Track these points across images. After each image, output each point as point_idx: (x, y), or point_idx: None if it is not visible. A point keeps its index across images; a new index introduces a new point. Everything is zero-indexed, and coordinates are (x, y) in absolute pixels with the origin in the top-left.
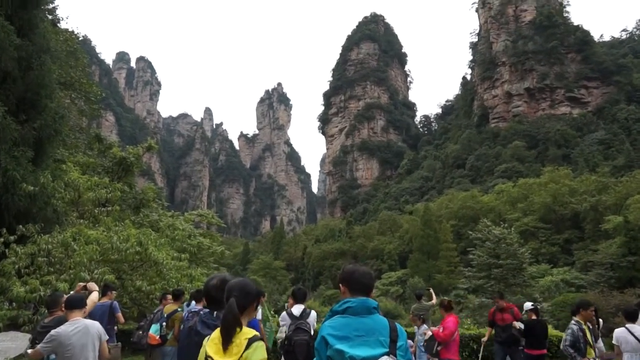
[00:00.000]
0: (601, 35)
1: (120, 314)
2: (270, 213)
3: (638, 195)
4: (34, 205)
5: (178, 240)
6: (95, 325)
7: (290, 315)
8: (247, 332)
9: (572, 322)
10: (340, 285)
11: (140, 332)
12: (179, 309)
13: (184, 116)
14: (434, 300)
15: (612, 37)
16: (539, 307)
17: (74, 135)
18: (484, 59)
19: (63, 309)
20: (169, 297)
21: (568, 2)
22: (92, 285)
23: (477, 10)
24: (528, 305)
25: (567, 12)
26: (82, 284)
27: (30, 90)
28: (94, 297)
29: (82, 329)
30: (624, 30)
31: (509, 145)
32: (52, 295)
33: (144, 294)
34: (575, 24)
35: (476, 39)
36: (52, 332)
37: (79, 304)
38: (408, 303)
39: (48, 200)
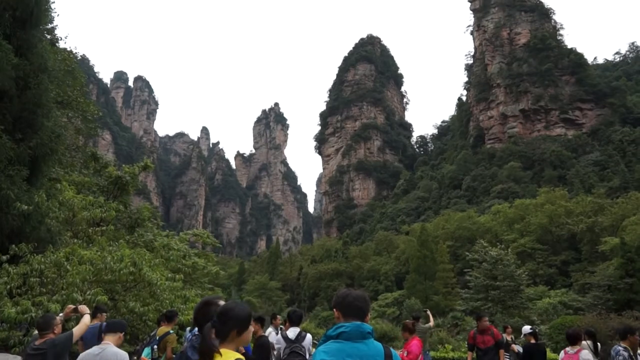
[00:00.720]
0: (595, 58)
1: None
2: (266, 233)
3: (634, 216)
4: (27, 224)
5: (173, 260)
6: (119, 355)
7: (285, 338)
8: (228, 358)
9: (620, 348)
10: (334, 309)
11: (135, 358)
12: (171, 331)
13: (181, 135)
14: (432, 323)
15: (606, 59)
16: (537, 330)
17: (70, 153)
18: (479, 80)
19: (56, 331)
20: None
21: (562, 25)
22: (84, 308)
23: (472, 33)
24: (527, 328)
25: (561, 35)
26: (72, 306)
27: (26, 109)
28: (86, 320)
29: (109, 355)
30: (617, 53)
31: (504, 166)
32: (44, 317)
33: (136, 316)
34: (569, 46)
35: (471, 61)
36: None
37: (119, 327)
38: None
39: (42, 220)
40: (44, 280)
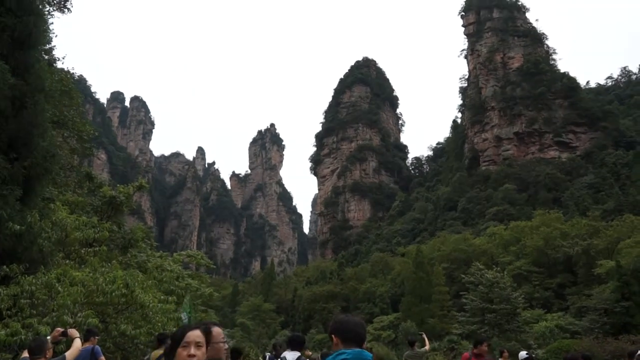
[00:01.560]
0: (587, 82)
1: (102, 358)
2: (261, 254)
3: (629, 239)
4: (19, 245)
5: (166, 282)
6: None
7: None
8: None
9: None
10: (333, 336)
11: None
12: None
13: (176, 155)
14: (427, 347)
15: (598, 84)
16: (533, 355)
17: (65, 173)
18: (473, 103)
19: (47, 355)
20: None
21: (554, 50)
22: (73, 332)
23: (466, 57)
24: (523, 354)
25: (554, 59)
26: (60, 329)
27: (22, 129)
28: (77, 344)
29: None
30: (609, 77)
31: (499, 188)
32: (36, 340)
33: (128, 339)
34: (562, 71)
35: (465, 84)
36: None
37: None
38: (401, 349)
39: (34, 240)
40: (35, 301)
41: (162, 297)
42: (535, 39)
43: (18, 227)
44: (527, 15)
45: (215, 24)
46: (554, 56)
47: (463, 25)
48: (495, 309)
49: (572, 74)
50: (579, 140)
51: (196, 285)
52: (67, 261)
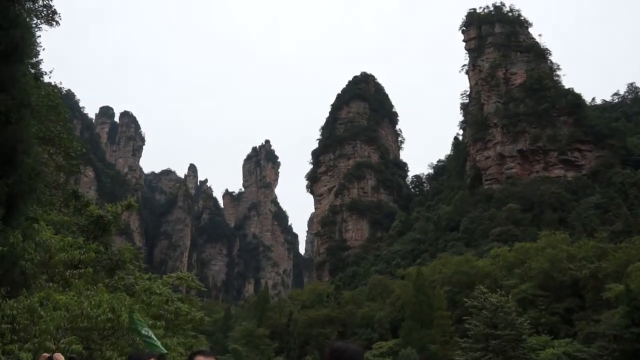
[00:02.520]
0: (593, 99)
1: None
2: (255, 276)
3: (639, 262)
4: (0, 267)
5: (154, 305)
6: None
7: None
8: None
9: None
10: None
11: None
12: None
13: (167, 172)
14: None
15: (604, 100)
16: None
17: (50, 191)
18: (475, 120)
19: None
20: None
21: (558, 66)
22: (59, 357)
23: (467, 73)
24: None
25: (558, 75)
26: (46, 354)
27: (6, 145)
28: None
29: None
30: (616, 94)
31: (503, 208)
32: None
33: None
34: (567, 87)
35: (467, 100)
36: None
37: None
38: None
39: (16, 261)
40: (16, 327)
41: (150, 321)
42: (539, 54)
43: (0, 248)
44: (530, 30)
45: (207, 37)
46: (558, 72)
47: (464, 40)
48: (499, 334)
49: (577, 90)
50: (585, 159)
51: (186, 309)
52: (51, 284)
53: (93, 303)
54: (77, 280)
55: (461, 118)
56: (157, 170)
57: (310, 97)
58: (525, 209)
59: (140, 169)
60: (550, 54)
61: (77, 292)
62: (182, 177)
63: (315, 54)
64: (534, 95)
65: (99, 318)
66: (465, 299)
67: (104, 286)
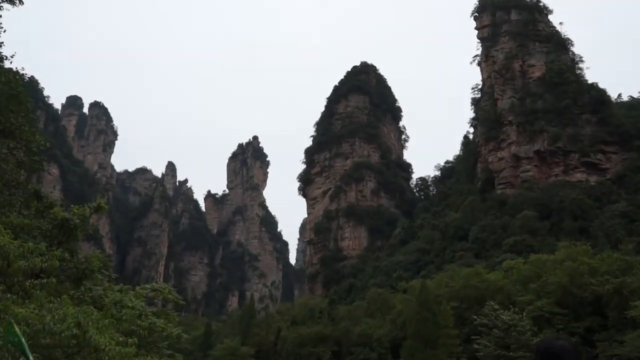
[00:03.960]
0: (619, 95)
1: None
2: (239, 288)
3: None
4: None
5: (126, 320)
6: None
7: None
8: None
9: None
10: None
11: None
12: None
13: (142, 171)
14: None
15: (631, 97)
16: None
17: (9, 191)
18: (487, 116)
19: None
20: None
21: (581, 58)
22: None
23: (479, 64)
24: None
25: (580, 68)
26: None
27: None
28: None
29: None
30: None
31: (517, 215)
32: None
33: None
34: (590, 82)
35: (479, 95)
36: None
37: None
38: None
39: None
40: None
41: (120, 338)
42: (559, 44)
43: None
44: (550, 17)
45: (187, 24)
46: (580, 65)
47: (476, 28)
48: (512, 356)
49: (601, 86)
50: (610, 162)
51: (162, 324)
52: (9, 295)
53: (57, 317)
54: (38, 291)
55: (472, 114)
56: (131, 169)
57: (303, 89)
58: (543, 216)
59: (112, 166)
60: (572, 45)
61: (38, 305)
62: (159, 176)
63: (309, 42)
64: (554, 90)
65: (63, 334)
66: (475, 316)
67: (69, 298)
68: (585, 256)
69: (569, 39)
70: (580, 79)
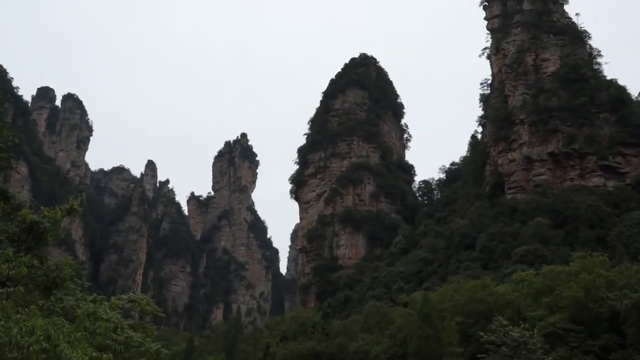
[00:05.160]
0: None
1: None
2: (224, 299)
3: None
4: None
5: (100, 334)
6: None
7: None
8: None
9: None
10: None
11: None
12: None
13: (120, 170)
14: None
15: None
16: None
17: None
18: (497, 115)
19: None
20: None
21: (599, 52)
22: None
23: (489, 57)
24: None
25: (598, 63)
26: None
27: None
28: None
29: None
30: None
31: (529, 223)
32: None
33: None
34: (609, 78)
35: (488, 91)
36: None
37: None
38: None
39: None
40: None
41: (94, 353)
42: (575, 37)
43: None
44: (566, 8)
45: (173, 7)
46: (598, 59)
47: (486, 18)
48: None
49: (621, 82)
50: (630, 165)
51: (139, 339)
52: None
53: (24, 329)
54: (4, 301)
55: (480, 112)
56: (107, 167)
57: (297, 82)
58: (556, 224)
59: (86, 165)
60: (590, 37)
61: (4, 316)
62: (138, 176)
63: (305, 31)
64: (569, 86)
65: (31, 348)
66: (481, 333)
67: (37, 309)
68: (602, 268)
69: (585, 31)
70: (598, 75)
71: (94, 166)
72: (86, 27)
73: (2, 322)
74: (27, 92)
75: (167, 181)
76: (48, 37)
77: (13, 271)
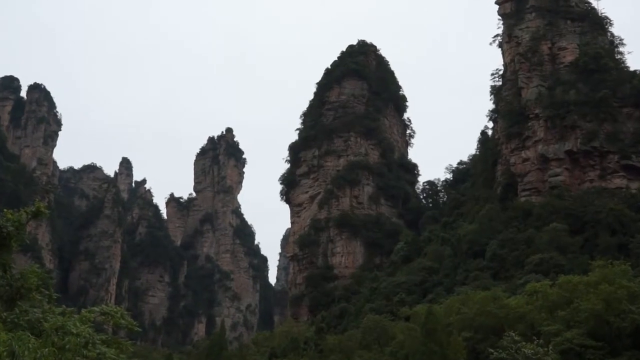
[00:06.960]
0: None
1: None
2: (207, 312)
3: None
4: None
5: (69, 350)
6: None
7: None
8: None
9: None
10: None
11: None
12: None
13: (91, 169)
14: None
15: None
16: None
17: None
18: (510, 109)
19: None
20: None
21: (621, 40)
22: None
23: (500, 46)
24: None
25: (621, 53)
26: None
27: None
28: None
29: None
30: None
31: (544, 228)
32: None
33: None
34: (632, 69)
35: (500, 83)
36: None
37: None
38: None
39: None
40: None
41: None
42: (596, 24)
43: None
44: None
45: None
46: (621, 48)
47: (497, 3)
48: None
49: None
50: None
51: (113, 355)
52: None
53: None
54: None
55: (491, 106)
56: (77, 166)
57: (289, 72)
58: (574, 230)
59: (54, 163)
60: (612, 24)
61: None
62: (111, 175)
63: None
64: (589, 78)
65: None
66: (491, 350)
67: (0, 322)
68: (624, 278)
69: (607, 17)
70: (620, 66)
71: (62, 164)
72: (59, 15)
73: None
74: None
75: (144, 181)
76: (15, 21)
77: None
